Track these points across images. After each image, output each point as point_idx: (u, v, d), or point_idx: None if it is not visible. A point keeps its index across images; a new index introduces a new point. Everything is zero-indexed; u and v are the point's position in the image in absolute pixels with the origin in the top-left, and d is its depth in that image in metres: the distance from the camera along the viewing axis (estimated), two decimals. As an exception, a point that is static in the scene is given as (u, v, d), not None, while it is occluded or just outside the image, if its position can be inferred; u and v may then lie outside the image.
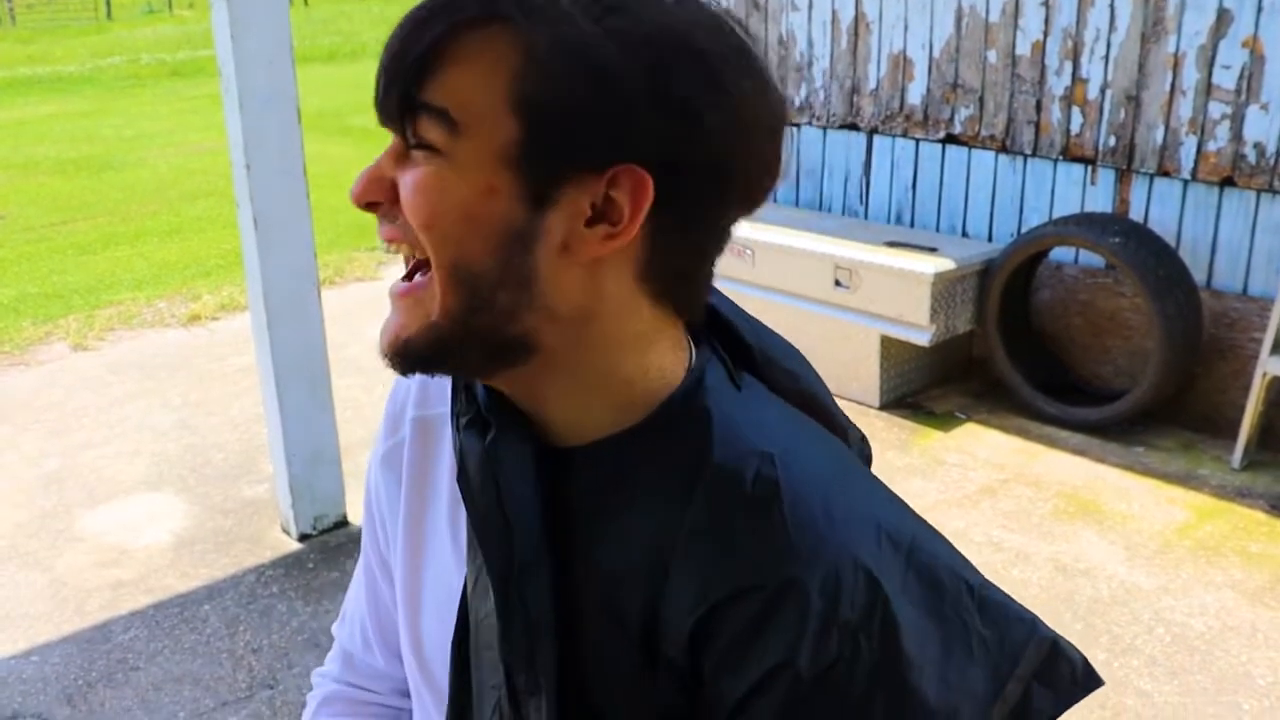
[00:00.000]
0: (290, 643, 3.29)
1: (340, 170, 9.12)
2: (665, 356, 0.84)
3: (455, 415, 0.90)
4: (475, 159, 0.76)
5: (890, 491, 0.87)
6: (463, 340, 0.80)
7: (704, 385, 0.84)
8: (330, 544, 3.79)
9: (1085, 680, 0.84)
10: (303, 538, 3.81)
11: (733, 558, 0.78)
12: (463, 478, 0.86)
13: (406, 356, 0.82)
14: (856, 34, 5.22)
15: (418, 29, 0.76)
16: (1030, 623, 0.82)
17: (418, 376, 1.03)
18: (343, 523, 3.89)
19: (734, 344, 0.90)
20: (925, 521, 0.86)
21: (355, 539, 3.80)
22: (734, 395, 0.85)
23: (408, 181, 0.78)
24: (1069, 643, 0.83)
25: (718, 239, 0.83)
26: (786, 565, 0.76)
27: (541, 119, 0.75)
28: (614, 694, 0.82)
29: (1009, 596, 0.84)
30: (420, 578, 1.01)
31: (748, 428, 0.82)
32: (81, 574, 3.67)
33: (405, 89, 0.76)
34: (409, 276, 0.81)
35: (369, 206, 0.81)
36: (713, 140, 0.77)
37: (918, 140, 5.12)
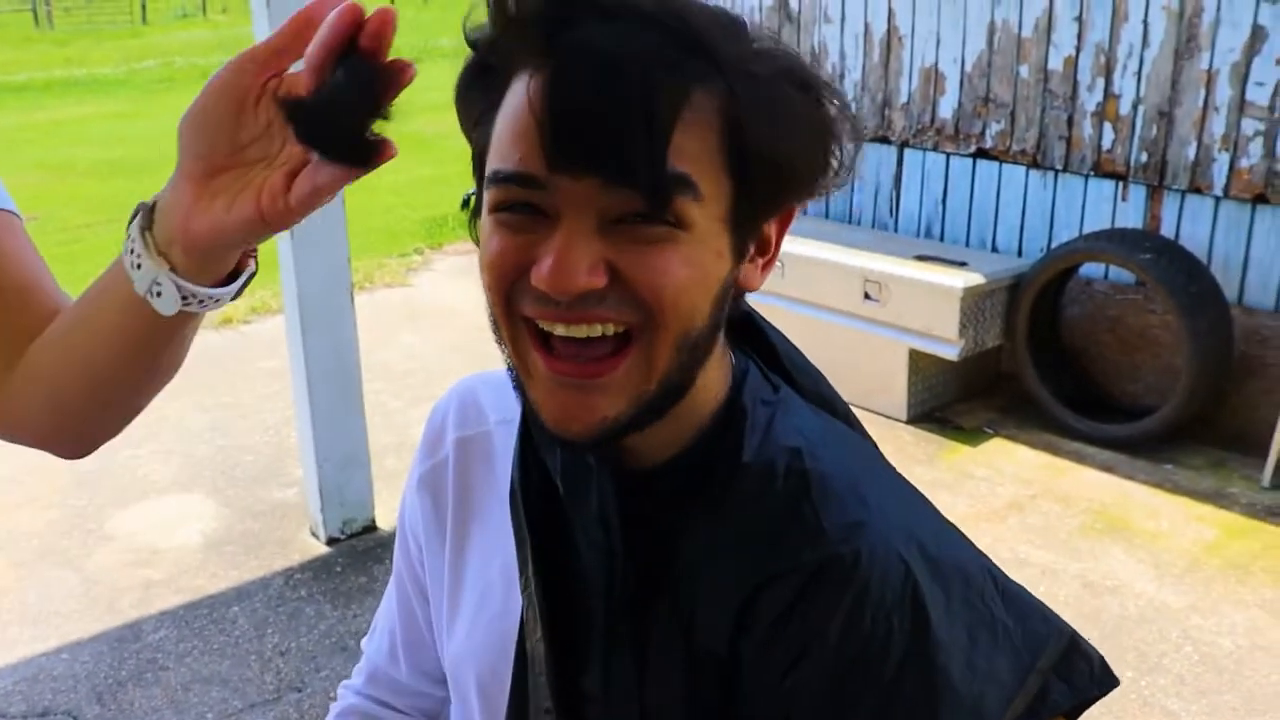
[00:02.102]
0: (318, 646, 3.31)
1: (372, 176, 9.15)
2: (722, 364, 0.86)
3: (532, 436, 0.90)
4: (709, 226, 0.75)
5: (915, 488, 0.90)
6: (660, 403, 0.79)
7: (744, 388, 0.86)
8: (359, 548, 3.82)
9: (1102, 678, 0.85)
10: (331, 541, 3.84)
11: (767, 546, 0.80)
12: (568, 498, 0.86)
13: (613, 436, 0.79)
14: (889, 47, 5.22)
15: (632, 87, 0.70)
16: (1051, 619, 0.85)
17: (457, 395, 1.05)
18: (371, 527, 3.91)
19: (764, 349, 0.92)
20: (946, 519, 0.89)
21: (384, 544, 3.82)
22: (770, 397, 0.87)
23: (653, 261, 0.74)
24: (1087, 641, 0.85)
25: None
26: (820, 548, 0.79)
27: (749, 175, 0.76)
28: (665, 699, 0.84)
29: (1028, 591, 0.86)
30: (460, 597, 1.02)
31: (781, 426, 0.85)
32: (113, 573, 3.71)
33: (656, 159, 0.71)
34: (601, 355, 0.76)
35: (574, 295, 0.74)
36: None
37: (948, 154, 5.11)
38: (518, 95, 0.74)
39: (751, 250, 0.81)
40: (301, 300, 3.58)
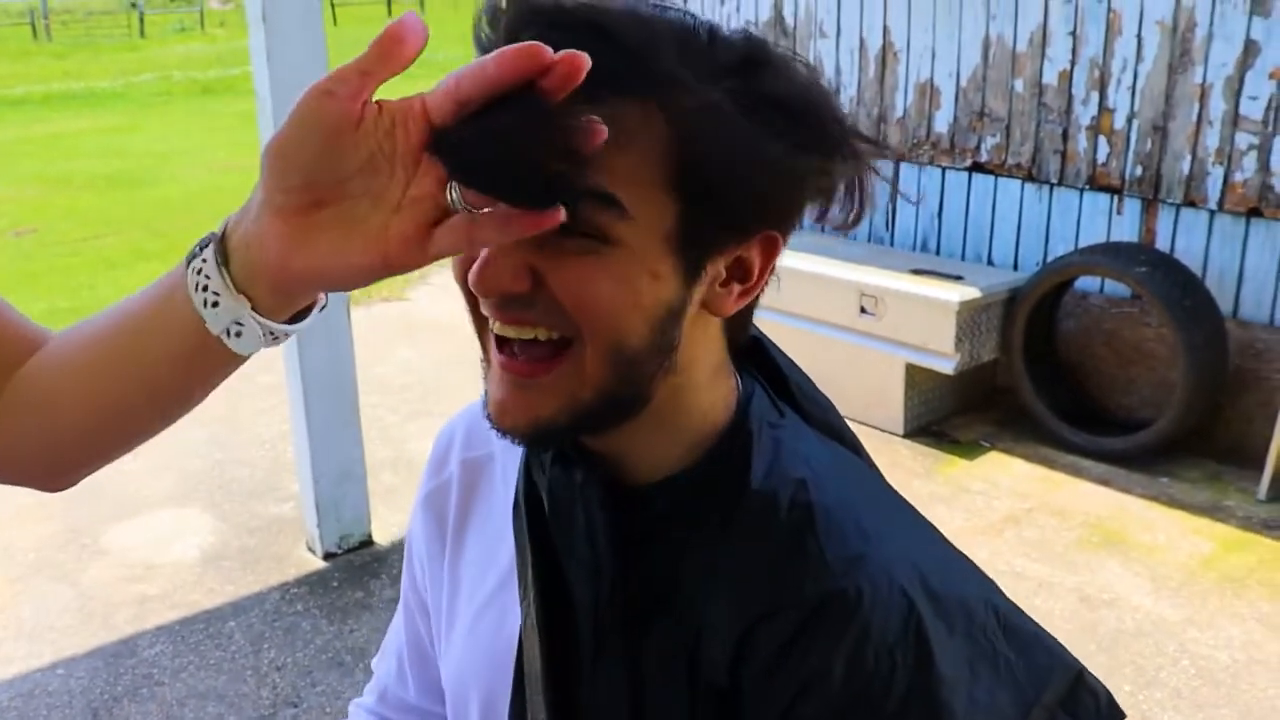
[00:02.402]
0: (314, 661, 3.31)
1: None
2: (723, 387, 0.86)
3: (529, 453, 0.90)
4: (642, 245, 0.74)
5: (921, 516, 0.89)
6: (603, 411, 0.80)
7: (749, 414, 0.86)
8: (355, 563, 3.81)
9: (1109, 713, 0.84)
10: (328, 556, 3.84)
11: (770, 578, 0.80)
12: (553, 516, 0.87)
13: (549, 436, 0.81)
14: (884, 62, 5.24)
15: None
16: (1056, 652, 0.84)
17: (465, 418, 1.05)
18: (368, 542, 3.91)
19: (772, 374, 0.92)
20: (954, 546, 0.88)
21: (380, 558, 3.82)
22: (776, 421, 0.87)
23: (575, 273, 0.74)
24: (1093, 675, 0.84)
25: None
26: (822, 582, 0.79)
27: (699, 198, 0.74)
28: (663, 718, 0.84)
29: (1036, 624, 0.85)
30: (457, 605, 1.03)
31: (787, 454, 0.85)
32: (108, 588, 3.70)
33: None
34: (539, 356, 0.78)
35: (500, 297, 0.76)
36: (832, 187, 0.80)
37: (944, 168, 5.13)
38: None
39: (724, 274, 0.80)
40: (298, 315, 3.58)
